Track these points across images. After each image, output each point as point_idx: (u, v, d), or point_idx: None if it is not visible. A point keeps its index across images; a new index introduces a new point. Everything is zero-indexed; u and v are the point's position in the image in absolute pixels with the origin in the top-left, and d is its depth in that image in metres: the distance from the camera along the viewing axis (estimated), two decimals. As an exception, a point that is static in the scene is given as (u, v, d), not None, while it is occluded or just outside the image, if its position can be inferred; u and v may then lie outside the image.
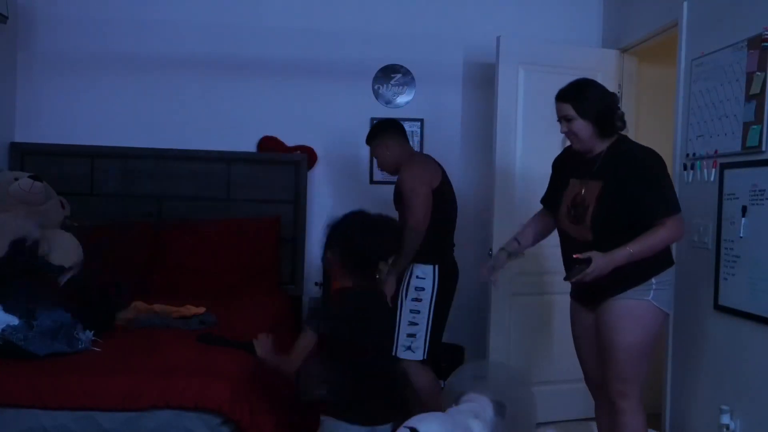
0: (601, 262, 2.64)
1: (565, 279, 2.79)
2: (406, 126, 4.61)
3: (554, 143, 4.20)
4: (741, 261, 3.00)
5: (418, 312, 3.56)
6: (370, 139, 3.80)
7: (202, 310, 3.50)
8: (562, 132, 2.88)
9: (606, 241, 2.69)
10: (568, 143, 2.98)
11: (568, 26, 4.62)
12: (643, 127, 4.46)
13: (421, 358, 3.59)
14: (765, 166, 2.87)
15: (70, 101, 4.50)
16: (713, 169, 3.24)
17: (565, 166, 3.03)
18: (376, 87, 4.66)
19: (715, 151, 3.22)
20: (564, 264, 2.95)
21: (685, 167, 3.49)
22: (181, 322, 3.36)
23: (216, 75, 4.57)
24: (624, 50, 4.34)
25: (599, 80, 4.20)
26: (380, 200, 4.64)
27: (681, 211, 2.72)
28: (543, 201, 3.19)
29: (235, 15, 4.57)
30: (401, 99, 4.67)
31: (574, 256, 2.69)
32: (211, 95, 4.58)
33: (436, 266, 3.59)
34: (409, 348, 3.56)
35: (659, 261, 2.78)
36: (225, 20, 4.56)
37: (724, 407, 3.03)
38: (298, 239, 4.49)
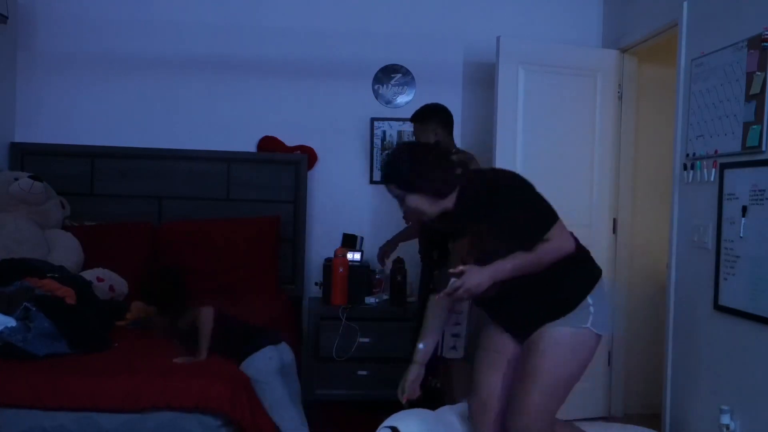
0: (473, 277, 2.35)
1: (434, 293, 2.58)
2: (406, 126, 4.64)
3: (554, 143, 4.23)
4: (741, 261, 3.00)
5: (461, 312, 3.61)
6: (421, 119, 3.75)
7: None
8: (403, 212, 2.66)
9: (505, 286, 2.46)
10: None
11: (568, 26, 4.62)
12: (643, 127, 4.46)
13: (463, 356, 3.64)
14: (765, 166, 2.87)
15: (69, 101, 4.50)
16: (713, 169, 3.23)
17: (435, 228, 2.69)
18: (376, 87, 4.66)
19: (715, 151, 3.22)
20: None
21: (685, 167, 3.49)
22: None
23: (216, 75, 4.57)
24: (624, 50, 4.34)
25: (599, 80, 4.29)
26: (380, 200, 4.66)
27: (558, 220, 2.46)
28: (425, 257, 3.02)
29: (235, 15, 4.57)
30: (401, 99, 4.67)
31: (450, 271, 2.43)
32: (211, 95, 4.57)
33: None
34: (453, 347, 3.61)
35: (589, 275, 2.53)
36: (225, 20, 4.56)
37: (724, 407, 3.02)
38: (298, 239, 4.49)
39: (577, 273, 2.49)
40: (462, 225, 2.54)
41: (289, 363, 3.06)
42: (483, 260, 2.42)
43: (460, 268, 2.38)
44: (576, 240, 2.52)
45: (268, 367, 2.91)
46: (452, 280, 2.40)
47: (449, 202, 2.51)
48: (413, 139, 3.82)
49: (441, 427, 2.72)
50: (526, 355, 2.51)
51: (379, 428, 2.63)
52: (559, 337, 2.45)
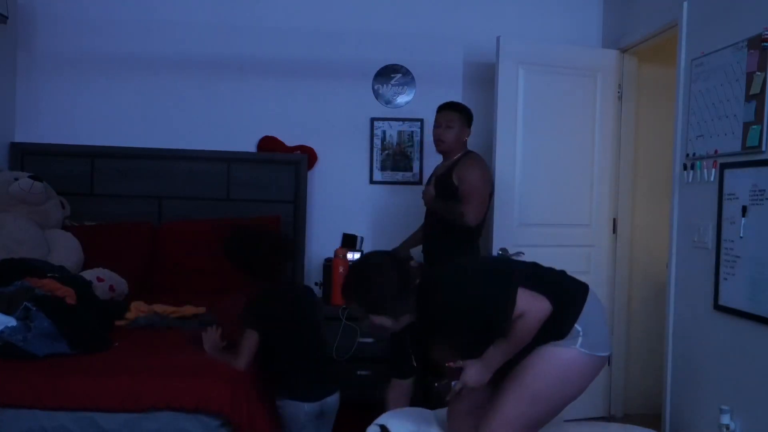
0: (472, 374, 2.39)
1: (438, 390, 2.56)
2: (406, 126, 4.65)
3: (554, 143, 4.23)
4: (741, 261, 3.00)
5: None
6: (460, 110, 3.83)
7: (202, 310, 3.50)
8: (371, 330, 2.71)
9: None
10: None
11: (568, 26, 4.62)
12: (643, 127, 4.46)
13: None
14: (765, 166, 2.87)
15: (70, 101, 4.50)
16: (713, 169, 3.23)
17: (415, 335, 2.72)
18: (376, 87, 4.66)
19: (715, 151, 3.22)
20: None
21: (685, 167, 3.49)
22: (181, 322, 3.36)
23: (216, 75, 4.57)
24: (624, 50, 4.34)
25: (599, 80, 4.29)
26: (380, 200, 4.66)
27: (514, 294, 2.31)
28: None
29: (235, 15, 4.57)
30: (401, 99, 4.67)
31: (447, 363, 2.44)
32: (211, 95, 4.57)
33: None
34: None
35: (570, 304, 2.43)
36: (225, 20, 4.56)
37: (724, 407, 3.02)
38: (298, 239, 4.49)
39: (556, 312, 2.36)
40: (428, 334, 2.55)
41: (329, 412, 3.00)
42: (470, 356, 2.43)
43: (457, 365, 2.41)
44: (548, 284, 2.43)
45: (302, 417, 2.89)
46: (453, 383, 2.44)
47: (411, 317, 2.51)
48: (440, 126, 3.82)
49: (432, 425, 2.73)
50: (510, 372, 2.46)
51: (370, 426, 2.66)
52: (545, 352, 2.40)
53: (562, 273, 2.56)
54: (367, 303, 2.49)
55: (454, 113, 3.80)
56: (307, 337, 2.98)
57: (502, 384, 2.46)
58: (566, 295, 2.45)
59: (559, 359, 2.40)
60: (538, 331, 2.35)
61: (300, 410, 2.87)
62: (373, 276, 2.50)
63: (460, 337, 2.45)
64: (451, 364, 2.41)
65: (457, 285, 2.41)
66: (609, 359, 4.38)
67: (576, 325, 2.40)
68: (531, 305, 2.31)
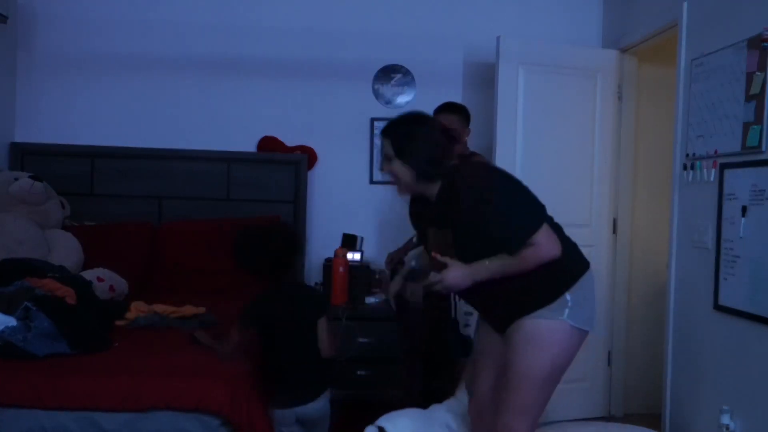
0: (455, 275, 2.37)
1: (406, 278, 2.48)
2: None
3: (554, 143, 4.22)
4: (741, 261, 3.00)
5: (471, 313, 3.64)
6: (460, 111, 3.82)
7: (202, 310, 3.50)
8: (381, 171, 2.58)
9: (483, 286, 2.42)
10: None
11: (568, 26, 4.62)
12: (643, 127, 4.46)
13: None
14: (765, 166, 2.87)
15: (69, 101, 4.50)
16: (713, 169, 3.23)
17: (420, 208, 2.64)
18: (376, 87, 4.66)
19: (715, 151, 3.22)
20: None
21: (685, 167, 3.49)
22: (181, 322, 3.36)
23: (216, 75, 4.57)
24: (624, 50, 4.34)
25: (599, 80, 4.29)
26: (380, 200, 4.66)
27: (542, 224, 2.36)
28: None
29: (235, 15, 4.57)
30: (401, 99, 4.67)
31: (432, 254, 2.43)
32: (211, 95, 4.58)
33: None
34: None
35: (567, 270, 2.44)
36: (225, 20, 4.56)
37: (725, 407, 3.03)
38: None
39: (555, 269, 2.38)
40: (439, 218, 2.48)
41: (314, 418, 2.93)
42: (462, 257, 2.39)
43: (444, 260, 2.37)
44: (562, 240, 2.43)
45: (278, 421, 2.87)
46: (432, 274, 2.38)
47: (431, 190, 2.48)
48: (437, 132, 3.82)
49: (430, 426, 2.73)
50: (506, 351, 2.48)
51: (368, 427, 2.68)
52: (532, 330, 2.40)
53: (575, 243, 2.56)
54: (403, 144, 2.44)
55: (452, 116, 3.76)
56: (288, 343, 2.94)
57: (502, 373, 2.48)
58: (571, 257, 2.46)
59: (546, 333, 2.40)
60: (529, 286, 2.38)
61: (276, 415, 2.86)
62: (423, 126, 2.49)
63: (467, 234, 2.40)
64: (438, 256, 2.38)
65: (498, 184, 2.41)
66: (609, 358, 4.40)
67: (567, 294, 2.40)
68: (546, 240, 2.34)
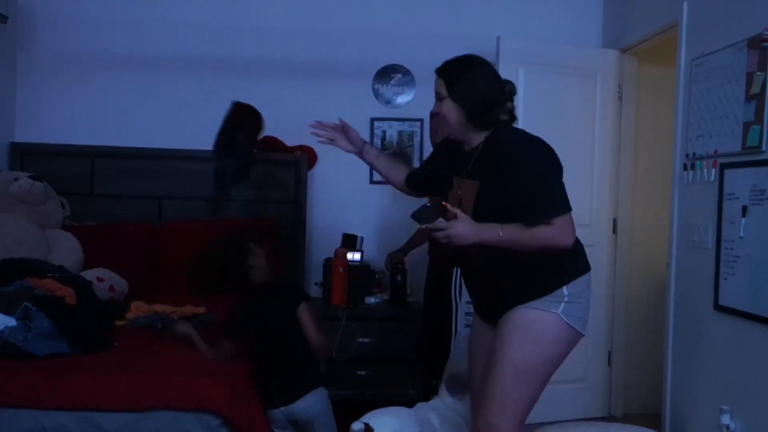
0: (462, 228, 2.25)
1: (412, 216, 2.34)
2: (406, 126, 4.65)
3: (554, 143, 4.21)
4: (741, 261, 3.00)
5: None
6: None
7: (202, 310, 3.50)
8: (432, 113, 2.51)
9: (486, 253, 2.33)
10: None
11: (568, 26, 4.62)
12: (643, 127, 4.46)
13: None
14: (765, 166, 2.87)
15: (69, 101, 4.50)
16: (713, 169, 3.23)
17: (450, 156, 2.57)
18: (376, 87, 4.66)
19: (715, 151, 3.22)
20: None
21: (685, 167, 3.49)
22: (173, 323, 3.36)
23: (216, 75, 4.57)
24: (624, 50, 4.34)
25: (599, 80, 4.29)
26: (380, 200, 4.66)
27: (569, 212, 2.30)
28: (409, 177, 2.81)
29: (235, 15, 4.57)
30: (401, 99, 4.67)
31: (444, 203, 2.34)
32: (211, 95, 4.57)
33: None
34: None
35: (571, 266, 2.39)
36: (225, 20, 4.56)
37: (725, 407, 3.03)
38: (298, 239, 4.48)
39: (559, 260, 2.32)
40: (473, 169, 2.40)
41: (304, 418, 2.91)
42: (477, 215, 2.32)
43: (455, 211, 2.27)
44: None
45: (277, 420, 2.90)
46: (440, 219, 2.29)
47: (477, 139, 2.42)
48: (436, 135, 3.80)
49: (413, 424, 2.75)
50: (493, 342, 2.40)
51: (354, 422, 2.70)
52: (522, 319, 2.33)
53: (582, 244, 2.49)
54: (457, 84, 2.40)
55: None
56: (271, 344, 2.95)
57: (488, 366, 2.40)
58: (577, 255, 2.41)
59: (538, 325, 2.32)
60: (533, 266, 2.32)
61: (269, 416, 2.86)
62: (480, 68, 2.46)
63: (493, 191, 2.32)
64: (449, 206, 2.30)
65: (547, 155, 2.38)
66: (609, 358, 4.40)
67: (564, 288, 2.34)
68: (566, 226, 2.27)
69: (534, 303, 2.33)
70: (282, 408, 2.88)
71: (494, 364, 2.35)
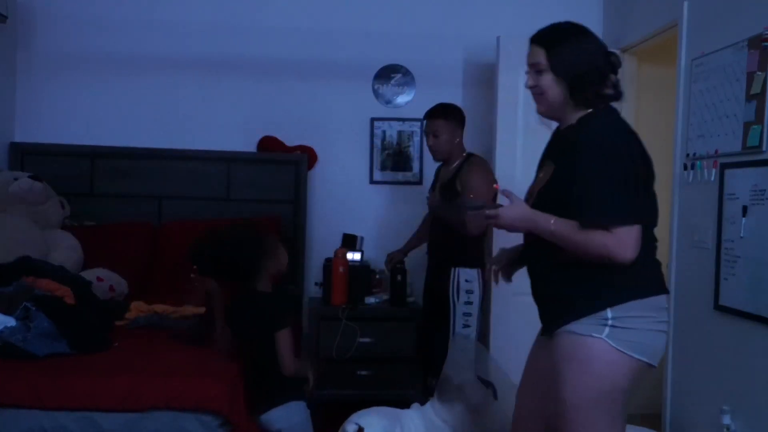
0: (513, 212, 2.10)
1: (467, 206, 2.20)
2: (406, 126, 4.65)
3: (554, 143, 4.22)
4: (741, 261, 3.00)
5: (470, 315, 3.66)
6: (444, 115, 3.73)
7: (201, 310, 3.50)
8: (527, 86, 2.23)
9: (539, 245, 2.12)
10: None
11: (568, 26, 4.61)
12: (643, 127, 4.45)
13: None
14: (765, 166, 2.87)
15: (69, 101, 4.50)
16: (713, 169, 3.23)
17: (549, 144, 2.39)
18: (376, 87, 4.66)
19: (716, 151, 3.22)
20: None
21: (685, 167, 3.49)
22: (181, 322, 3.36)
23: (216, 75, 4.57)
24: (624, 50, 4.33)
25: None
26: (380, 200, 4.66)
27: (637, 225, 2.01)
28: None
29: (235, 15, 4.57)
30: (401, 99, 4.67)
31: (495, 185, 2.25)
32: (211, 95, 4.57)
33: (479, 270, 3.68)
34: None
35: (625, 286, 2.07)
36: (225, 20, 4.56)
37: (725, 407, 3.02)
38: (298, 239, 4.49)
39: (610, 276, 2.05)
40: (554, 153, 2.21)
41: (278, 429, 2.81)
42: (538, 203, 2.14)
43: (507, 193, 2.13)
44: (646, 254, 2.07)
45: (260, 426, 2.82)
46: (490, 205, 2.10)
47: (569, 118, 2.17)
48: (428, 136, 3.80)
49: (405, 426, 2.76)
50: (552, 367, 2.16)
51: (346, 422, 2.69)
52: (568, 348, 2.09)
53: (657, 264, 2.20)
54: (561, 56, 2.16)
55: (438, 121, 3.73)
56: (249, 350, 2.90)
57: (553, 400, 2.16)
58: (640, 274, 2.08)
59: (584, 349, 2.06)
60: (582, 275, 2.08)
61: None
62: (587, 39, 2.23)
63: (561, 179, 2.11)
64: (498, 186, 2.19)
65: (632, 158, 2.06)
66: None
67: (608, 310, 2.05)
68: (627, 239, 1.99)
69: (574, 326, 2.08)
70: (260, 416, 2.79)
71: (557, 403, 2.11)
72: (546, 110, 2.22)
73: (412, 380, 4.14)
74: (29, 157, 4.38)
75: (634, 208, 2.03)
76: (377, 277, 4.43)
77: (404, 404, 3.14)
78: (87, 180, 4.43)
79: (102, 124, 4.50)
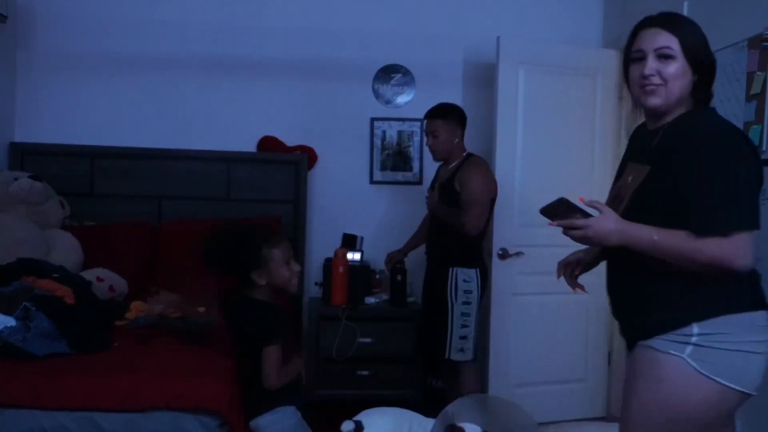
0: (605, 225, 1.87)
1: (541, 211, 1.96)
2: (406, 126, 4.65)
3: (554, 143, 4.22)
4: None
5: (469, 315, 3.66)
6: (444, 116, 3.73)
7: (202, 310, 3.50)
8: (648, 85, 1.97)
9: (624, 254, 1.92)
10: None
11: (568, 26, 4.62)
12: (643, 127, 4.46)
13: (471, 358, 3.70)
14: (765, 166, 2.86)
15: (69, 101, 4.50)
16: (713, 169, 3.22)
17: (629, 144, 2.22)
18: (376, 87, 4.66)
19: (716, 151, 3.22)
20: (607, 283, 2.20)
21: (685, 167, 3.48)
22: (181, 322, 3.36)
23: (216, 75, 4.57)
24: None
25: (599, 80, 4.30)
26: (380, 200, 4.66)
27: (755, 231, 1.81)
28: None
29: (236, 15, 4.57)
30: (401, 99, 4.67)
31: (580, 198, 1.96)
32: (211, 95, 4.57)
33: (478, 270, 3.69)
34: (461, 350, 3.67)
35: (718, 298, 1.86)
36: (225, 20, 4.56)
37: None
38: (298, 239, 4.49)
39: (703, 285, 1.86)
40: (649, 154, 1.99)
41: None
42: (633, 208, 1.94)
43: (597, 204, 1.92)
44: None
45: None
46: (578, 217, 1.90)
47: (676, 111, 1.98)
48: (428, 136, 3.82)
49: (405, 426, 2.74)
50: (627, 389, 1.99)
51: (345, 421, 2.69)
52: (644, 364, 1.92)
53: (758, 276, 1.98)
54: (696, 45, 1.95)
55: (436, 121, 3.74)
56: (238, 355, 2.85)
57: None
58: (739, 286, 1.88)
59: (663, 367, 1.88)
60: (672, 282, 1.89)
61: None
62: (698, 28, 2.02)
63: (662, 182, 1.90)
64: (585, 200, 1.93)
65: (751, 160, 1.87)
66: (609, 358, 4.39)
67: (695, 325, 1.85)
68: (744, 242, 1.79)
69: (656, 341, 1.89)
70: (250, 421, 2.72)
71: (622, 423, 1.98)
72: (662, 103, 1.96)
73: (412, 380, 4.14)
74: (29, 157, 4.38)
75: (753, 211, 1.83)
76: (377, 277, 4.44)
77: (404, 404, 3.13)
78: (87, 180, 4.43)
79: (102, 124, 4.50)
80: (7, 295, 2.89)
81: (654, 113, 2.01)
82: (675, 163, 1.88)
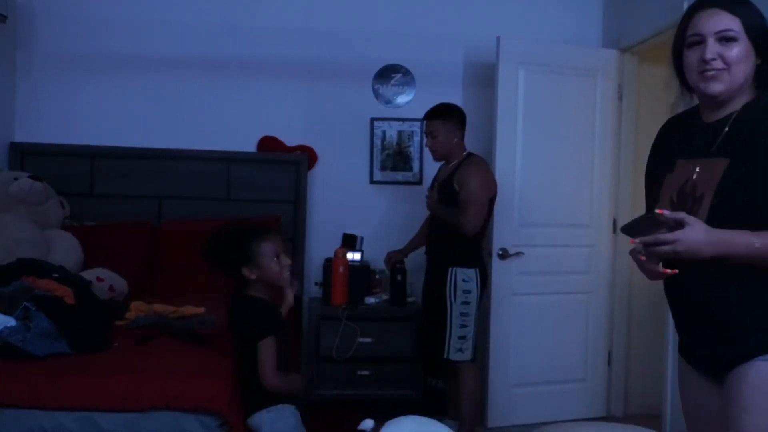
0: (695, 236, 1.67)
1: (623, 230, 1.79)
2: (406, 126, 4.65)
3: (554, 143, 4.22)
4: (741, 261, 2.97)
5: (468, 315, 3.67)
6: (442, 116, 3.75)
7: (201, 310, 3.49)
8: (710, 70, 1.80)
9: (707, 262, 1.72)
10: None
11: (568, 26, 4.62)
12: (643, 127, 4.46)
13: (471, 358, 3.70)
14: (765, 166, 2.86)
15: (70, 101, 4.50)
16: (713, 169, 3.22)
17: (670, 141, 2.02)
18: (376, 87, 4.66)
19: (716, 151, 3.21)
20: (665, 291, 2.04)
21: (685, 167, 3.48)
22: (181, 322, 3.36)
23: (216, 75, 4.57)
24: (624, 50, 4.34)
25: (599, 80, 4.30)
26: (380, 200, 4.66)
27: None
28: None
29: (235, 15, 4.57)
30: (401, 99, 4.67)
31: (657, 210, 1.73)
32: (211, 95, 4.57)
33: (477, 270, 3.70)
34: (460, 350, 3.68)
35: None
36: (225, 20, 4.56)
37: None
38: (298, 239, 4.49)
39: None
40: (720, 147, 1.80)
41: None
42: (720, 208, 1.73)
43: (681, 216, 1.69)
44: None
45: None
46: (662, 231, 1.71)
47: (737, 104, 1.82)
48: (427, 137, 3.82)
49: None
50: (727, 411, 1.79)
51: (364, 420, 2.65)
52: (759, 378, 1.72)
53: None
54: (754, 16, 1.80)
55: (435, 121, 3.75)
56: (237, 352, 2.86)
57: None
58: None
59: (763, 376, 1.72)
60: None
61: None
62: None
63: (749, 173, 1.72)
64: (664, 212, 1.72)
65: None
66: (609, 358, 4.39)
67: None
68: None
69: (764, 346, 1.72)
70: (248, 419, 2.72)
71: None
72: (724, 89, 1.80)
73: (412, 380, 4.14)
74: (29, 157, 4.38)
75: None
76: (377, 277, 4.43)
77: (404, 404, 3.13)
78: (87, 180, 4.43)
79: (102, 124, 4.50)
80: (7, 295, 2.89)
81: (713, 102, 1.84)
82: (762, 155, 1.70)
